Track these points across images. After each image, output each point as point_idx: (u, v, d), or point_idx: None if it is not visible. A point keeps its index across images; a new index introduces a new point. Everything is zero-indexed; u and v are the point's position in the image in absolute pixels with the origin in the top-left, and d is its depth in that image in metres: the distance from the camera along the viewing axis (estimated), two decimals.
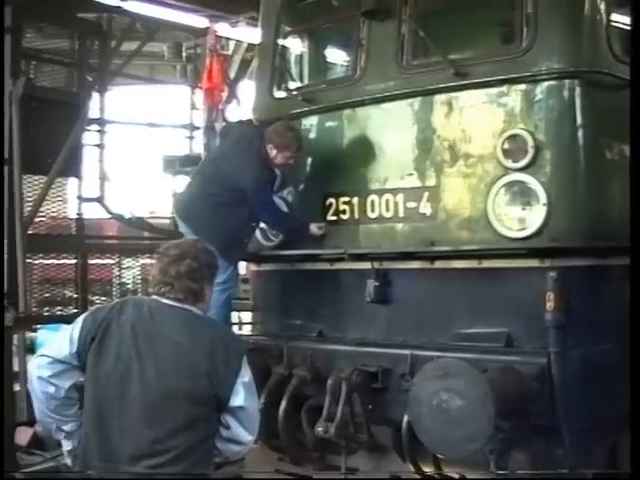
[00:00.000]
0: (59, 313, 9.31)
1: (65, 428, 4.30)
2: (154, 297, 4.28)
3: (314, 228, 7.02)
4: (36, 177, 8.41)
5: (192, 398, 4.01)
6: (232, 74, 11.43)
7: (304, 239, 7.07)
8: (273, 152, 7.02)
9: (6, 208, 7.66)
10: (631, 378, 4.33)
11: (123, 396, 4.03)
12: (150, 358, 4.05)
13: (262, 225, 7.32)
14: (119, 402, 4.04)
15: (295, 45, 8.51)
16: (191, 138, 11.10)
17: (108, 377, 4.08)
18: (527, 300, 5.83)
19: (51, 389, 4.18)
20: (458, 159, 6.40)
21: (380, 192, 6.78)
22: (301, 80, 8.52)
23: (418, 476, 6.27)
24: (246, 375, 4.18)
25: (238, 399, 4.11)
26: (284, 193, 7.36)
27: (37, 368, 4.21)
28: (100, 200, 9.33)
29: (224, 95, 9.91)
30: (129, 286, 14.22)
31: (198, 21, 10.65)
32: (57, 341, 4.26)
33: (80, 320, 4.25)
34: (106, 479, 4.00)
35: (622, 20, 6.29)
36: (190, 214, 7.14)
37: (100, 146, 9.54)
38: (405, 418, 5.88)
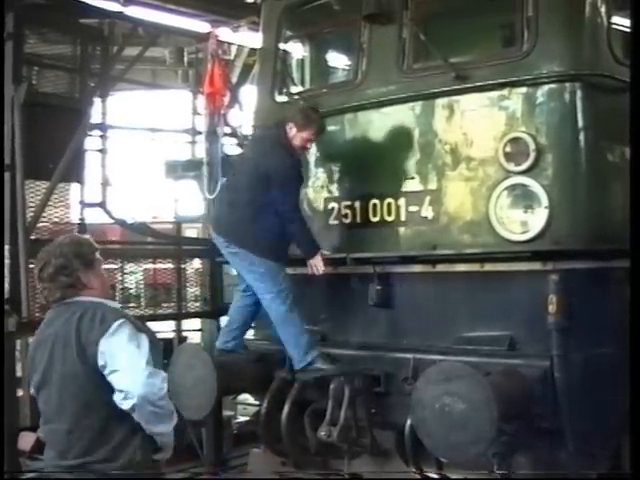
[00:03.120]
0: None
1: None
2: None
3: (318, 260, 6.72)
4: (38, 182, 8.40)
5: (80, 380, 4.10)
6: (234, 79, 11.41)
7: (308, 256, 6.78)
8: (292, 131, 6.77)
9: (9, 214, 7.68)
10: (630, 380, 4.31)
11: (44, 403, 4.31)
12: (48, 362, 4.24)
13: None
14: (44, 408, 4.33)
15: (296, 49, 8.52)
16: (193, 143, 11.09)
17: (35, 390, 4.40)
18: (529, 303, 5.83)
19: None
20: (460, 162, 6.40)
21: (382, 196, 6.78)
22: (302, 84, 8.53)
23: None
24: (114, 342, 4.10)
25: (101, 360, 4.09)
26: None
27: None
28: (102, 205, 9.32)
29: (226, 100, 9.89)
30: (132, 291, 14.18)
31: (200, 26, 10.63)
32: None
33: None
34: (108, 479, 4.03)
35: (623, 23, 6.29)
36: (229, 229, 6.78)
37: (102, 151, 9.52)
38: (408, 422, 5.89)
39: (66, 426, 4.12)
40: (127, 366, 4.09)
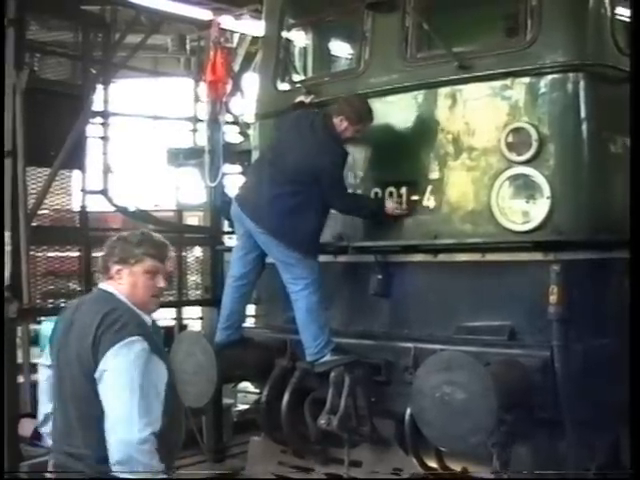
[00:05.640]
0: (63, 305, 9.31)
1: None
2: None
3: (390, 205, 6.68)
4: (40, 169, 8.39)
5: (92, 374, 3.91)
6: (236, 67, 11.40)
7: (382, 219, 6.72)
8: (344, 124, 6.63)
9: (10, 200, 7.67)
10: (631, 377, 4.31)
11: (58, 387, 4.17)
12: (66, 344, 4.12)
13: None
14: (55, 391, 4.20)
15: (299, 38, 8.51)
16: (195, 131, 11.08)
17: (53, 370, 4.25)
18: (530, 293, 5.83)
19: None
20: (462, 152, 6.40)
21: (384, 185, 6.78)
22: (305, 73, 8.51)
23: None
24: (117, 362, 3.85)
25: (97, 373, 3.88)
26: None
27: None
28: (104, 193, 9.31)
29: (228, 88, 9.88)
30: None
31: (202, 13, 10.60)
32: None
33: None
34: (108, 479, 3.97)
35: (627, 13, 6.27)
36: (265, 214, 6.56)
37: (104, 139, 9.51)
38: (408, 411, 5.90)
39: (76, 414, 4.00)
40: (112, 398, 3.87)
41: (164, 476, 3.96)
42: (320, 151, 6.58)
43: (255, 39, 10.79)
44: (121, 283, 4.20)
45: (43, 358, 4.44)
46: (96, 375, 3.89)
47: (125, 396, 3.83)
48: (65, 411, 4.09)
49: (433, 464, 6.27)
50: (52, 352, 4.29)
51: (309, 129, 6.75)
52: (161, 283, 4.29)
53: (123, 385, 3.85)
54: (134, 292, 4.21)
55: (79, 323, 4.09)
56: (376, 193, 6.83)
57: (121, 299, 4.16)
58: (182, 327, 10.89)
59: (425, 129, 6.65)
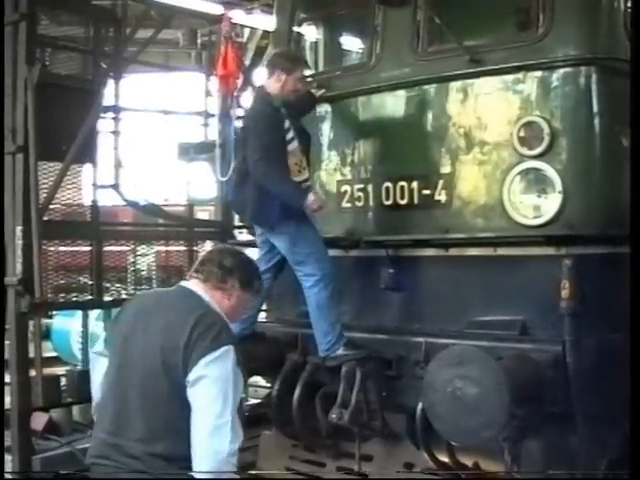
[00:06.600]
0: (74, 300, 9.35)
1: None
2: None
3: (312, 197, 6.43)
4: (51, 164, 8.41)
5: (174, 371, 3.81)
6: (247, 61, 11.42)
7: (298, 207, 6.46)
8: (282, 77, 6.56)
9: (21, 195, 7.69)
10: (632, 377, 4.30)
11: (117, 373, 4.04)
12: (141, 333, 4.00)
13: None
14: (115, 379, 4.05)
15: (310, 32, 8.49)
16: (206, 125, 11.09)
17: (113, 357, 4.13)
18: (542, 288, 5.81)
19: None
20: (473, 146, 6.39)
21: (395, 179, 6.78)
22: (316, 67, 8.49)
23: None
24: (212, 370, 3.77)
25: (192, 375, 3.77)
26: None
27: None
28: (115, 187, 9.32)
29: (239, 82, 9.89)
30: (144, 273, 14.22)
31: (213, 8, 10.61)
32: None
33: None
34: (105, 479, 3.87)
35: None
36: (249, 212, 6.66)
37: (115, 133, 9.53)
38: (419, 405, 5.90)
39: (138, 405, 3.87)
40: (207, 407, 3.77)
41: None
42: (248, 112, 6.71)
43: (266, 33, 10.81)
44: (226, 296, 4.20)
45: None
46: (189, 379, 3.78)
47: (219, 406, 3.76)
48: (123, 399, 3.95)
49: (444, 459, 6.27)
50: (114, 339, 4.20)
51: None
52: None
53: (218, 395, 3.77)
54: (232, 308, 4.23)
55: (166, 317, 3.98)
56: (387, 187, 6.82)
57: (210, 303, 4.11)
58: None
59: (436, 123, 6.64)
